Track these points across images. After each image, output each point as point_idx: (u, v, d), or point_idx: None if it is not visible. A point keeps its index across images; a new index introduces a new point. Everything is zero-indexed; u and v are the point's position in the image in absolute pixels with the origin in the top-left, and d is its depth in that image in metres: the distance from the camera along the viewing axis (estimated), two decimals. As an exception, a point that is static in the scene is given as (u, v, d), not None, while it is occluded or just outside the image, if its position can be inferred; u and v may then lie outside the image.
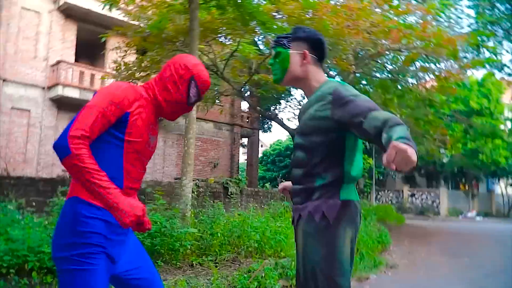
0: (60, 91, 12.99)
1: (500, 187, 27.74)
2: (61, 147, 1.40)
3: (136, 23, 9.10)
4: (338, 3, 9.25)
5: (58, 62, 13.29)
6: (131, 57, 10.07)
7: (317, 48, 1.78)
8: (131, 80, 9.92)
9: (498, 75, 19.43)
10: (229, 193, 11.33)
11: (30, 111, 13.20)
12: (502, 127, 24.32)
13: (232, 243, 5.39)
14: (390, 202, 26.28)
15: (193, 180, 6.38)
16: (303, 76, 1.77)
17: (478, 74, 26.30)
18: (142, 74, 9.86)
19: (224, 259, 5.09)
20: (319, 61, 1.81)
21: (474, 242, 10.74)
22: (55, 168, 12.83)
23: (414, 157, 1.19)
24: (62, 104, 13.62)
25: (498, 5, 13.53)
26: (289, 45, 1.77)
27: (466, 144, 21.74)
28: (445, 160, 23.78)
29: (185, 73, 1.66)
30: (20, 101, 13.02)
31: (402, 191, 27.22)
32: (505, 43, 14.09)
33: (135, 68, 9.47)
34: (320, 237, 1.59)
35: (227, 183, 11.86)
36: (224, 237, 5.25)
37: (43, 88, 13.48)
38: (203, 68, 1.74)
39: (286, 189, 1.96)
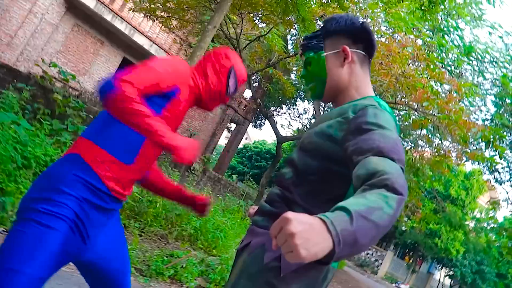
0: (77, -8, 12.25)
1: (440, 274, 28.25)
2: (107, 88, 1.29)
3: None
4: (380, 40, 8.91)
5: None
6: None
7: (361, 39, 1.29)
8: (149, 15, 9.38)
9: (485, 176, 19.60)
10: (191, 168, 10.85)
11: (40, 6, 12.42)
12: (467, 223, 24.68)
13: (168, 219, 4.99)
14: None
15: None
16: (347, 84, 1.28)
17: (468, 166, 26.68)
18: (163, 14, 9.33)
19: (153, 232, 4.68)
20: (367, 57, 1.32)
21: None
22: (35, 67, 12.10)
23: (303, 252, 0.73)
24: (72, 6, 12.87)
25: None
26: (321, 45, 1.30)
27: (429, 224, 21.86)
28: (404, 228, 23.90)
29: (226, 62, 1.63)
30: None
31: (352, 239, 27.32)
32: (507, 151, 14.13)
33: (159, 4, 8.91)
34: (258, 286, 1.11)
35: (194, 157, 11.35)
36: (163, 210, 4.84)
37: (62, -17, 12.70)
38: (242, 63, 1.71)
39: None
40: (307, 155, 1.20)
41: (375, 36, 8.49)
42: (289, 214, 0.76)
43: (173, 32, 12.03)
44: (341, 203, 0.83)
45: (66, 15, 12.93)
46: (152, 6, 8.95)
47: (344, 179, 1.14)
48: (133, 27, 13.41)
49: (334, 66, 1.28)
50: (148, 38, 13.76)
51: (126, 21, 13.19)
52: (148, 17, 9.53)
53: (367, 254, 26.42)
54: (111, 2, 13.02)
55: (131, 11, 9.60)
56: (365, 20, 1.16)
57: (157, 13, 9.25)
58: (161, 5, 8.91)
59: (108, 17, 12.86)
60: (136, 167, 1.49)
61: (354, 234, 0.78)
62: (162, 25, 9.86)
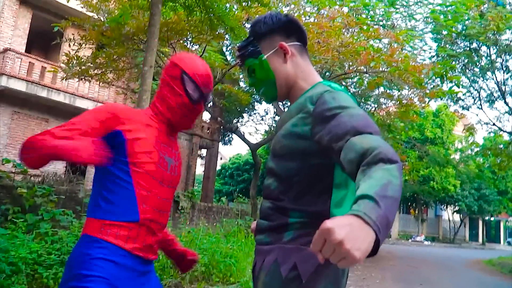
0: (4, 81, 11.88)
1: (447, 213, 28.88)
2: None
3: (96, 16, 8.47)
4: (309, 21, 9.09)
5: (6, 50, 12.20)
6: (87, 52, 9.36)
7: (292, 31, 1.30)
8: (83, 77, 9.21)
9: (452, 107, 20.23)
10: (179, 208, 10.67)
11: (-32, 101, 12.00)
12: (453, 156, 25.38)
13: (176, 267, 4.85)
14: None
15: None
16: (295, 77, 1.28)
17: (433, 105, 27.52)
18: (97, 71, 9.17)
19: (166, 284, 4.54)
20: (303, 46, 1.32)
21: (424, 268, 11.07)
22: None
23: (357, 254, 0.73)
24: (4, 96, 12.47)
25: (458, 41, 14.12)
26: (258, 49, 1.29)
27: (419, 171, 22.35)
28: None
29: (173, 70, 1.48)
30: (-42, 89, 11.81)
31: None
32: (461, 78, 14.65)
33: (89, 63, 8.76)
34: None
35: (178, 197, 11.17)
36: (167, 260, 4.70)
37: (-15, 76, 12.32)
38: (195, 59, 1.53)
39: None
40: (283, 159, 1.19)
41: (303, 20, 8.62)
42: (328, 224, 0.76)
43: (113, 85, 11.85)
44: (358, 192, 0.84)
45: (1, 107, 12.52)
46: (83, 67, 8.79)
47: (327, 169, 1.14)
48: (71, 94, 13.15)
49: (277, 64, 1.28)
50: (90, 100, 13.51)
51: (62, 91, 12.92)
52: (83, 79, 9.36)
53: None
54: (41, 78, 12.72)
55: (64, 79, 9.38)
56: (287, 13, 1.18)
57: (90, 72, 9.08)
58: (91, 63, 8.77)
59: (43, 93, 12.55)
60: (148, 220, 1.40)
61: (386, 216, 0.80)
62: (99, 82, 9.69)
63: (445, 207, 28.57)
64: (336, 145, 1.03)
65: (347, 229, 0.75)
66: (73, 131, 1.33)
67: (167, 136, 1.51)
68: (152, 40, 4.90)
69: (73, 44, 8.57)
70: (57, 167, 12.82)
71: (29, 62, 12.56)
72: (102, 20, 8.05)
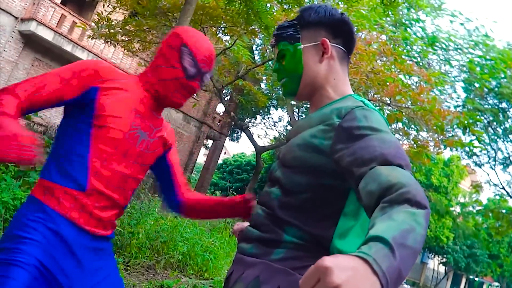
0: (33, 27, 11.90)
1: (433, 262, 28.53)
2: None
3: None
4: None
5: (41, -3, 12.24)
6: (120, 17, 9.32)
7: (341, 33, 1.13)
8: (110, 40, 9.15)
9: (464, 160, 19.97)
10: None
11: (-7, 36, 12.03)
12: (453, 208, 25.08)
13: (154, 248, 4.73)
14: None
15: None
16: (324, 81, 1.12)
17: (445, 153, 27.23)
18: (124, 38, 9.12)
19: (139, 264, 4.42)
20: (347, 54, 1.16)
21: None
22: None
23: None
24: (30, 41, 12.51)
25: (488, 97, 13.91)
26: (298, 36, 1.13)
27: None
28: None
29: (173, 40, 1.33)
30: (-14, 23, 11.84)
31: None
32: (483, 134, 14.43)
33: (118, 28, 8.70)
34: None
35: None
36: (147, 239, 4.58)
37: (17, 18, 12.34)
38: (201, 34, 1.37)
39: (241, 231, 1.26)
40: (293, 171, 1.04)
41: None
42: (327, 261, 0.61)
43: (137, 55, 11.80)
44: (372, 232, 0.70)
45: (25, 50, 12.54)
46: (112, 31, 8.73)
47: (339, 193, 0.99)
48: (95, 54, 13.13)
49: (311, 60, 1.12)
50: (112, 64, 13.48)
51: (87, 50, 12.92)
52: (109, 42, 9.30)
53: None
54: (69, 32, 12.72)
55: (90, 38, 9.34)
56: (343, 12, 1.03)
57: (117, 37, 9.03)
58: (120, 29, 8.71)
59: (68, 47, 12.56)
60: (97, 192, 1.24)
61: (399, 268, 0.66)
62: (124, 50, 9.65)
63: (432, 255, 28.25)
64: (357, 170, 0.88)
65: (348, 273, 0.60)
66: (40, 89, 1.20)
67: (149, 110, 1.35)
68: (184, 18, 4.81)
69: (107, 6, 8.53)
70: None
71: (61, 14, 12.57)
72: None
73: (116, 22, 8.64)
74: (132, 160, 1.30)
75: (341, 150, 0.93)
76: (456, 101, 15.47)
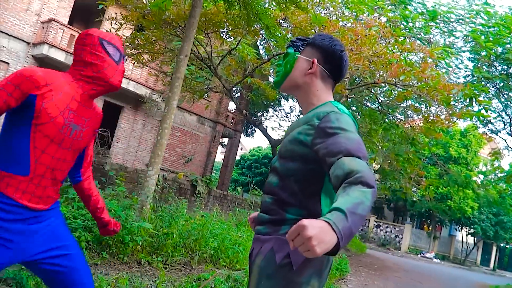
0: (45, 50, 12.43)
1: (461, 234, 28.34)
2: None
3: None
4: (345, 26, 9.14)
5: (50, 20, 12.73)
6: (126, 32, 9.70)
7: (331, 62, 1.50)
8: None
9: (481, 129, 19.83)
10: (196, 192, 10.99)
11: (9, 64, 12.58)
12: (474, 178, 24.86)
13: (187, 246, 5.12)
14: (354, 229, 26.42)
15: (162, 171, 6.07)
16: (303, 87, 1.51)
17: (461, 124, 26.95)
18: (134, 51, 9.51)
19: (176, 261, 4.81)
20: (331, 78, 1.52)
21: (428, 284, 10.96)
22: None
23: (318, 250, 0.95)
24: (44, 64, 13.04)
25: (496, 64, 13.83)
26: (301, 49, 1.54)
27: (438, 188, 22.06)
28: (415, 199, 24.11)
29: (91, 40, 1.64)
30: (0, 52, 12.39)
31: (368, 220, 27.42)
32: (494, 101, 14.38)
33: (127, 43, 9.09)
34: (278, 282, 1.31)
35: (196, 181, 11.50)
36: (180, 239, 4.97)
37: (28, 43, 12.88)
38: (101, 30, 1.77)
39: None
40: (286, 160, 1.41)
41: (339, 25, 8.61)
42: (304, 221, 0.98)
43: (147, 66, 12.21)
44: (334, 204, 1.05)
45: (40, 73, 13.06)
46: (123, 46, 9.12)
47: (319, 175, 1.36)
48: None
49: (299, 68, 1.50)
50: (123, 77, 13.93)
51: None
52: (120, 57, 9.69)
53: (386, 232, 26.54)
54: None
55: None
56: (344, 50, 1.41)
57: (126, 51, 9.42)
58: (129, 43, 9.10)
59: (80, 66, 13.01)
60: (40, 176, 1.55)
61: (350, 228, 1.01)
62: (134, 62, 10.04)
63: (460, 227, 28.06)
64: (329, 159, 1.23)
65: (317, 230, 0.97)
66: None
67: (80, 105, 1.64)
68: (190, 31, 5.13)
69: (114, 23, 8.92)
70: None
71: (71, 34, 13.05)
72: (145, 2, 8.33)
73: (125, 37, 9.03)
74: (66, 147, 1.61)
75: (318, 144, 1.30)
76: (465, 72, 15.43)
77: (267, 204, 1.44)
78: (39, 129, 1.51)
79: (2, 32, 12.37)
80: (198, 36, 8.81)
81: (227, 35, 9.47)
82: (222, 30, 8.56)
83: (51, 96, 1.51)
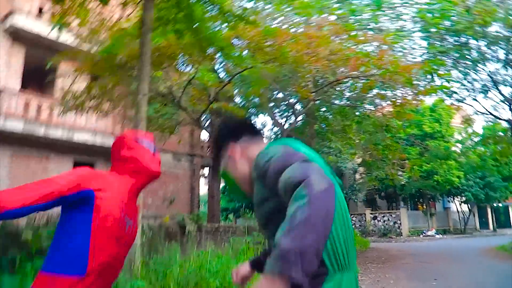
0: (1, 123, 11.94)
1: (455, 205, 28.72)
2: None
3: (88, 47, 8.58)
4: (298, 32, 9.20)
5: (1, 91, 12.29)
6: (82, 85, 9.47)
7: (242, 133, 1.47)
8: (80, 110, 9.28)
9: (447, 101, 20.31)
10: (186, 232, 10.67)
11: (-33, 144, 12.03)
12: (453, 148, 25.38)
13: (189, 291, 4.84)
14: (353, 226, 26.32)
15: (147, 220, 5.78)
16: (250, 166, 1.39)
17: (429, 100, 27.60)
18: (93, 102, 9.26)
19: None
20: (256, 135, 1.49)
21: (438, 262, 10.96)
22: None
23: None
24: (2, 138, 12.46)
25: (447, 37, 14.25)
26: (220, 159, 1.50)
27: (422, 166, 22.35)
28: (403, 182, 24.34)
29: (125, 139, 1.74)
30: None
31: (365, 214, 27.45)
32: (454, 72, 14.78)
33: (84, 95, 8.85)
34: None
35: (183, 221, 11.16)
36: (179, 287, 4.69)
37: (-17, 118, 12.38)
38: (129, 131, 1.88)
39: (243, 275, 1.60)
40: (270, 227, 1.21)
41: (291, 32, 8.61)
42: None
43: (110, 114, 11.93)
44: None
45: (0, 149, 12.54)
46: (79, 101, 8.87)
47: None
48: (70, 127, 13.19)
49: (234, 166, 1.43)
50: (89, 131, 13.57)
51: (60, 126, 12.96)
52: (80, 112, 9.44)
53: (384, 221, 26.60)
54: (38, 116, 12.76)
55: (61, 114, 9.46)
56: (242, 117, 1.57)
57: (86, 104, 9.16)
58: (86, 95, 8.86)
59: (41, 131, 12.56)
60: (93, 275, 1.46)
61: (294, 250, 0.88)
62: (96, 113, 9.79)
63: (452, 199, 28.41)
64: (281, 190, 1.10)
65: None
66: (44, 194, 1.37)
67: (130, 198, 1.66)
68: (144, 69, 4.98)
69: (68, 78, 8.68)
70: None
71: (25, 100, 12.63)
72: (95, 51, 8.16)
73: (81, 91, 8.79)
74: (122, 243, 1.57)
75: (271, 182, 1.16)
76: (420, 50, 15.81)
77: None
78: (99, 225, 1.50)
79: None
80: (154, 74, 8.67)
81: (184, 66, 9.36)
82: (178, 62, 8.43)
83: (107, 191, 1.54)
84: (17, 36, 13.08)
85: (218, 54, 7.75)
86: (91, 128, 13.74)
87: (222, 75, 13.18)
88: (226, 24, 6.53)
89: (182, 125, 11.87)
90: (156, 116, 10.46)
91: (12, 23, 12.64)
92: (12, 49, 13.16)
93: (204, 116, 14.37)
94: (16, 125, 12.11)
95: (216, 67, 12.21)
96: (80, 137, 13.26)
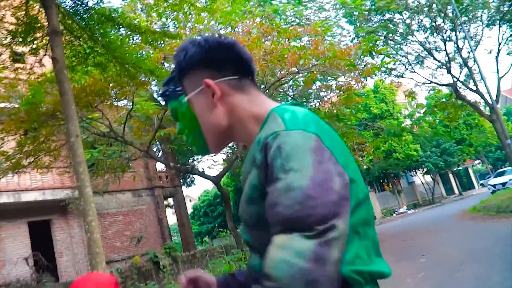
0: None
1: (419, 178, 29.64)
2: None
3: (8, 105, 7.94)
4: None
5: None
6: (13, 143, 8.74)
7: (227, 62, 0.94)
8: (18, 170, 8.54)
9: (387, 80, 20.97)
10: (161, 267, 10.07)
11: None
12: (404, 124, 26.25)
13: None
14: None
15: (116, 263, 5.28)
16: (230, 123, 0.94)
17: (370, 83, 28.46)
18: (30, 159, 8.55)
19: None
20: (246, 78, 0.96)
21: (419, 238, 11.04)
22: None
23: None
24: None
25: (371, 17, 14.70)
26: (179, 89, 1.01)
27: (380, 147, 22.86)
28: (365, 166, 24.76)
29: None
30: None
31: (336, 206, 27.69)
32: (388, 49, 15.24)
33: (18, 155, 8.14)
34: None
35: (156, 257, 10.53)
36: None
37: None
38: None
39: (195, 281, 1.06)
40: (256, 230, 0.86)
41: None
42: None
43: (52, 167, 11.16)
44: None
45: None
46: (13, 161, 8.15)
47: None
48: (14, 190, 12.25)
49: (203, 109, 0.95)
50: (36, 190, 12.68)
51: (3, 191, 12.01)
52: (17, 172, 8.70)
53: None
54: (-26, 187, 11.74)
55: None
56: (223, 35, 0.85)
57: (22, 163, 8.44)
58: (20, 154, 8.16)
59: (-19, 201, 11.60)
60: None
61: None
62: (37, 169, 9.07)
63: (414, 172, 29.34)
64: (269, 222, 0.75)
65: None
66: None
67: None
68: (69, 109, 4.54)
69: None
70: (19, 270, 11.77)
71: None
72: (17, 106, 7.55)
73: (13, 150, 8.09)
74: None
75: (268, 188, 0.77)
76: (350, 36, 16.19)
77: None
78: None
79: None
80: (89, 115, 8.16)
81: (117, 100, 8.89)
82: (109, 97, 7.97)
83: None
84: None
85: (150, 79, 7.38)
86: (37, 186, 12.86)
87: (162, 101, 12.79)
88: (146, 43, 6.20)
89: (133, 161, 11.31)
90: (103, 158, 9.87)
91: None
92: None
93: (154, 146, 13.86)
94: None
95: (154, 94, 11.80)
96: (28, 197, 12.37)
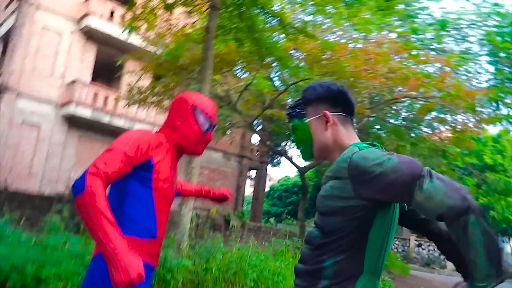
0: (72, 109, 13.05)
1: (510, 246, 26.81)
2: (77, 185, 1.32)
3: (154, 49, 9.21)
4: (356, 48, 9.23)
5: (74, 81, 13.43)
6: (146, 82, 10.14)
7: (339, 103, 1.40)
8: (142, 104, 9.94)
9: (513, 132, 19.13)
10: (230, 226, 11.01)
11: (41, 127, 13.23)
12: (515, 185, 23.77)
13: (227, 280, 5.07)
14: (395, 250, 25.47)
15: (195, 209, 6.15)
16: (331, 143, 1.38)
17: (493, 130, 26.12)
18: (155, 99, 9.89)
19: (216, 298, 4.77)
20: (348, 117, 1.41)
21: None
22: (59, 185, 12.71)
23: None
24: (73, 122, 13.67)
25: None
26: (303, 113, 1.42)
27: (478, 199, 21.18)
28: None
29: (185, 105, 1.68)
30: (32, 116, 13.08)
31: (409, 240, 26.44)
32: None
33: (148, 92, 9.49)
34: None
35: (229, 216, 11.52)
36: (219, 273, 4.95)
37: (56, 105, 13.57)
38: (201, 95, 1.76)
39: None
40: (327, 216, 1.27)
41: (349, 47, 8.68)
42: None
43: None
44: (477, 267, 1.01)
45: (70, 131, 13.70)
46: (143, 96, 9.52)
47: (364, 229, 1.23)
48: (131, 119, 14.13)
49: (318, 130, 1.39)
50: (148, 123, 14.43)
51: (123, 117, 13.94)
52: (142, 106, 10.11)
53: (429, 251, 25.47)
54: (104, 105, 13.79)
55: (127, 106, 10.19)
56: (342, 86, 1.35)
57: (148, 100, 9.80)
58: (150, 92, 9.48)
59: (105, 119, 13.60)
60: (161, 234, 1.59)
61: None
62: (156, 108, 10.41)
63: (507, 239, 26.63)
64: (400, 199, 1.15)
65: None
66: (114, 169, 1.40)
67: (175, 161, 1.69)
68: (206, 72, 5.33)
69: (134, 75, 9.36)
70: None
71: (94, 91, 13.71)
72: (160, 53, 8.74)
73: (145, 87, 9.43)
74: (171, 202, 1.68)
75: (367, 191, 1.17)
76: (487, 76, 15.10)
77: (304, 252, 1.34)
78: (159, 191, 1.56)
79: (32, 97, 13.11)
80: (214, 77, 9.11)
81: (242, 72, 9.73)
82: (236, 68, 8.81)
83: (161, 157, 1.56)
84: (90, 35, 14.43)
85: (275, 64, 7.98)
86: (150, 121, 14.60)
87: (277, 83, 13.47)
88: (284, 35, 6.75)
89: (235, 128, 12.25)
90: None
91: (86, 24, 14.02)
92: (85, 46, 14.44)
93: (257, 121, 14.71)
94: (85, 112, 13.22)
95: (272, 76, 12.52)
96: (140, 127, 14.13)
